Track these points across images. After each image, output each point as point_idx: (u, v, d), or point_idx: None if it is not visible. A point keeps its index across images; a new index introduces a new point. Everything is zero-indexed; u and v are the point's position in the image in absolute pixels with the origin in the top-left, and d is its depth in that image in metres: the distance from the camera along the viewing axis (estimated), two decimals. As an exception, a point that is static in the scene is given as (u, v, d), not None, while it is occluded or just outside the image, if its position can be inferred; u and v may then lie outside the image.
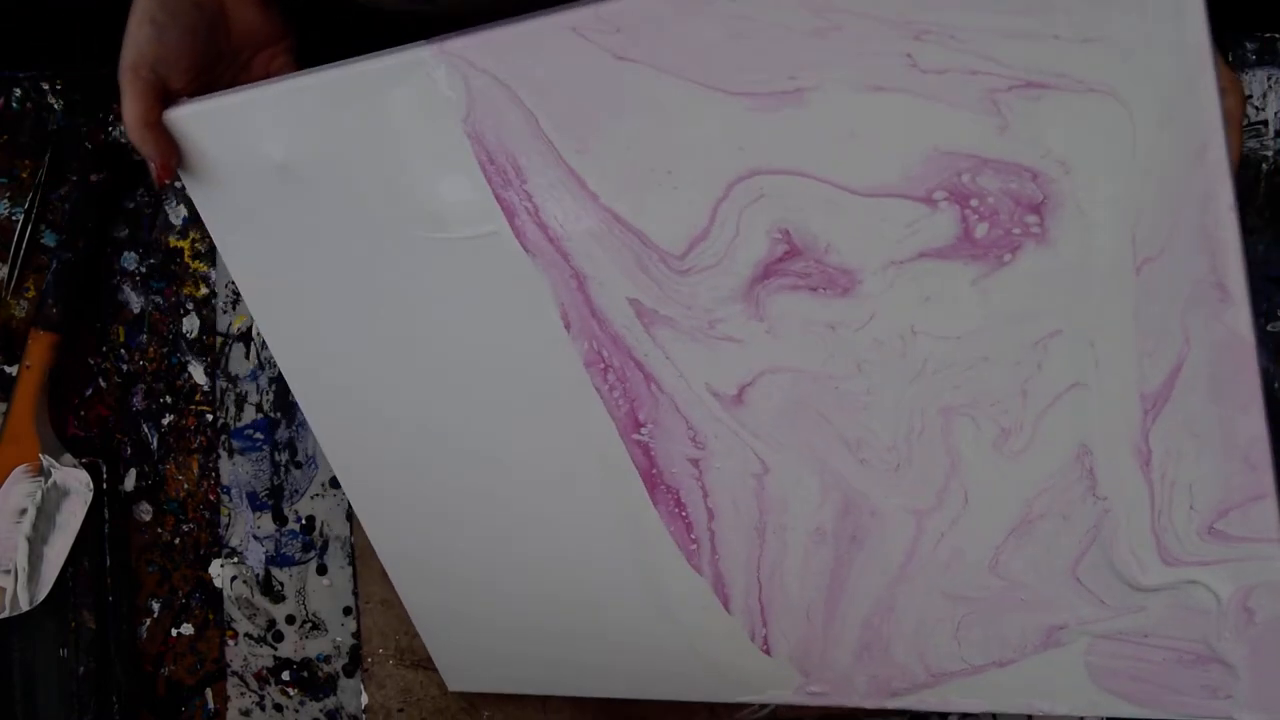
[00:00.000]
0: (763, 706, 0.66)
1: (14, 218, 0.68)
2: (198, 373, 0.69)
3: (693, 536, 0.51)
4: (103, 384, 0.69)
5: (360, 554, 0.66)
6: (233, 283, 0.68)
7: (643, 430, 0.50)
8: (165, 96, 0.51)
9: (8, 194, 0.69)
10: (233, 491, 0.69)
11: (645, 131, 0.44)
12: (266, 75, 0.55)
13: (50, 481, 0.66)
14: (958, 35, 0.39)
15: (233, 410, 0.69)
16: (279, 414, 0.68)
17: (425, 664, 0.66)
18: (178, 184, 0.54)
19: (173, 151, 0.51)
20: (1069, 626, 0.48)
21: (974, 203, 0.42)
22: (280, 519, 0.69)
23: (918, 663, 0.50)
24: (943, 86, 0.40)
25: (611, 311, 0.48)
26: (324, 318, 0.53)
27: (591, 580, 0.55)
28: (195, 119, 0.50)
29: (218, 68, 0.53)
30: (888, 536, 0.48)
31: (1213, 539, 0.45)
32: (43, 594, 0.65)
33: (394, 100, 0.46)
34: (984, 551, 0.47)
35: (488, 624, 0.59)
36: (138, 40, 0.51)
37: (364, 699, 0.66)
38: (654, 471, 0.51)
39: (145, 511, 0.69)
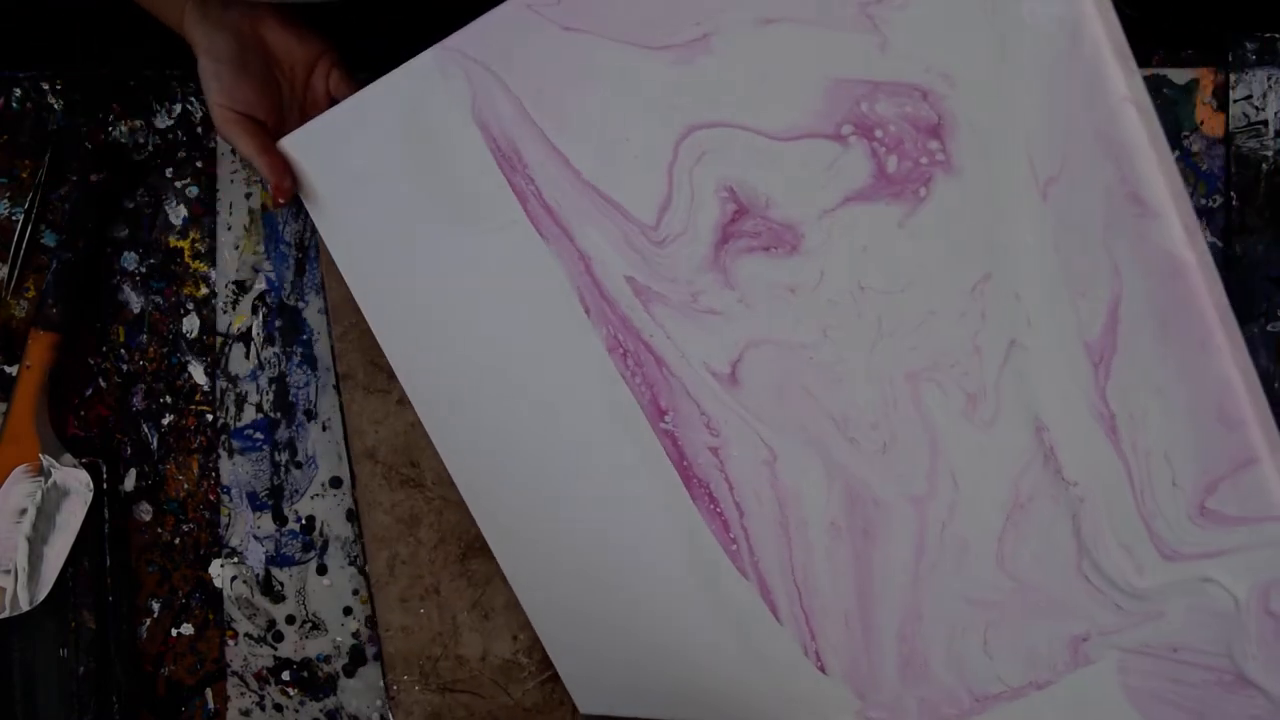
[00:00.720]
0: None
1: (14, 218, 0.68)
2: (198, 373, 0.69)
3: (731, 536, 0.51)
4: (103, 384, 0.69)
5: (376, 584, 0.66)
6: (233, 282, 0.68)
7: (666, 418, 0.50)
8: (259, 125, 0.58)
9: (8, 194, 0.69)
10: (233, 491, 0.68)
11: (603, 101, 0.45)
12: (326, 90, 0.61)
13: (50, 481, 0.66)
14: None
15: (233, 410, 0.69)
16: (279, 414, 0.68)
17: (451, 687, 0.66)
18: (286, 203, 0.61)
19: (286, 173, 0.58)
20: (1092, 638, 0.45)
21: (878, 134, 0.41)
22: (280, 519, 0.69)
23: (959, 683, 0.49)
24: (820, 7, 0.40)
25: (615, 291, 0.48)
26: (416, 314, 0.56)
27: (658, 592, 0.55)
28: (293, 148, 0.56)
29: (281, 91, 0.60)
30: (894, 528, 0.47)
31: (1208, 522, 0.40)
32: (43, 594, 0.65)
33: (419, 102, 0.48)
34: (988, 543, 0.46)
35: (610, 647, 0.59)
36: (213, 92, 0.58)
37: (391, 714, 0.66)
38: (685, 464, 0.50)
39: (145, 511, 0.69)
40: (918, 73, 0.40)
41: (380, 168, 0.52)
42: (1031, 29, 0.37)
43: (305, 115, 0.60)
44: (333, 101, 0.60)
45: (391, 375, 0.64)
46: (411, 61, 0.49)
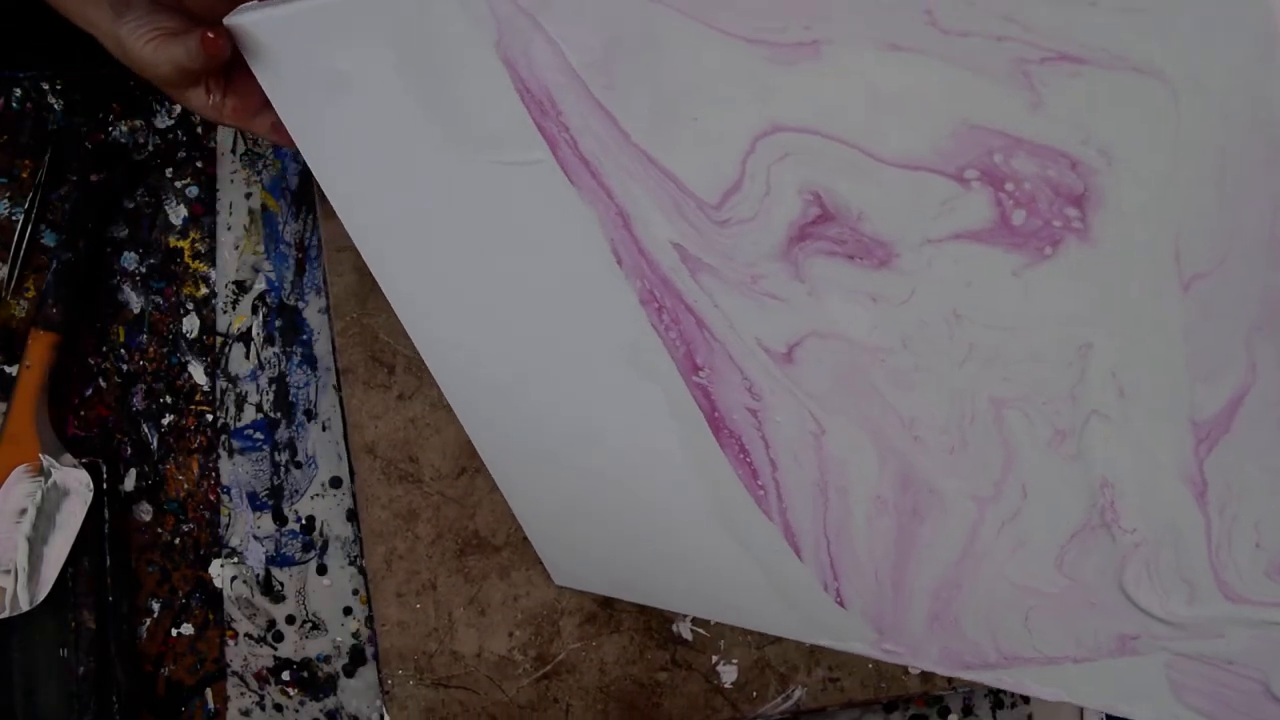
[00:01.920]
0: (785, 700, 0.66)
1: (14, 218, 0.68)
2: (198, 373, 0.69)
3: (759, 483, 0.50)
4: (103, 384, 0.69)
5: (373, 578, 0.66)
6: (233, 282, 0.68)
7: (701, 374, 0.48)
8: (166, 33, 0.51)
9: (8, 194, 0.69)
10: (233, 491, 0.68)
11: (670, 75, 0.40)
12: None
13: (50, 481, 0.66)
14: None
15: (233, 410, 0.69)
16: (279, 414, 0.68)
17: (445, 682, 0.66)
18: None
19: (199, 29, 0.50)
20: (1142, 638, 0.44)
21: (1009, 186, 0.37)
22: (280, 519, 0.69)
23: (989, 641, 0.48)
24: (967, 51, 0.35)
25: (658, 253, 0.45)
26: (402, 228, 0.52)
27: (676, 513, 0.54)
28: (257, 27, 0.49)
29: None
30: (949, 516, 0.46)
31: None
32: (43, 594, 0.65)
33: (435, 17, 0.44)
34: (1049, 548, 0.44)
35: (587, 534, 0.59)
36: (127, 36, 0.51)
37: (385, 717, 0.66)
38: (716, 415, 0.49)
39: (145, 511, 0.69)
40: (1073, 143, 0.35)
41: (370, 76, 0.47)
42: (1229, 135, 0.33)
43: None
44: None
45: (392, 371, 0.64)
46: None
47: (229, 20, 0.50)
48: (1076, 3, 0.33)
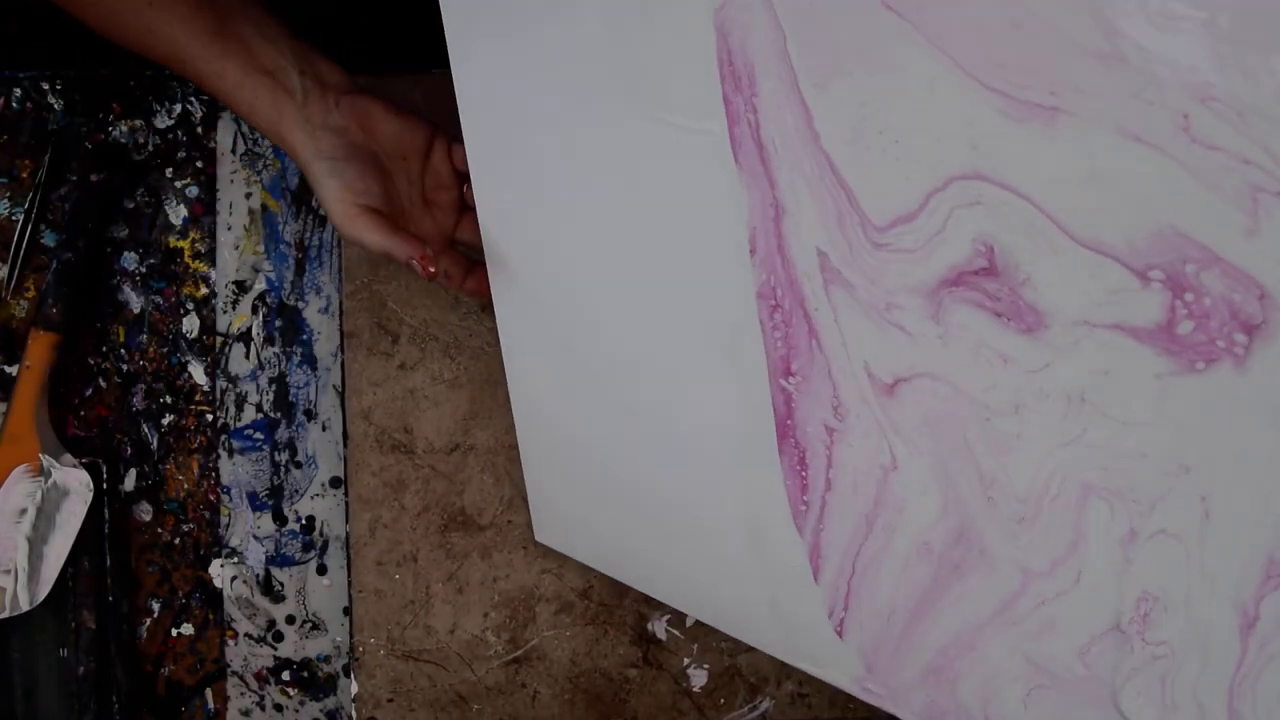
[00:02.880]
0: (752, 710, 0.66)
1: (14, 218, 0.68)
2: (198, 373, 0.69)
3: (805, 499, 0.50)
4: (103, 384, 0.69)
5: (355, 544, 0.67)
6: (233, 282, 0.68)
7: (791, 379, 0.48)
8: (380, 214, 0.56)
9: (8, 194, 0.69)
10: (233, 491, 0.68)
11: (887, 91, 0.40)
12: (451, 169, 0.60)
13: (50, 481, 0.66)
14: (1246, 114, 0.34)
15: (233, 410, 0.69)
16: (279, 414, 0.69)
17: (416, 655, 0.66)
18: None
19: (424, 244, 0.56)
20: None
21: (1188, 297, 0.37)
22: (280, 519, 0.69)
23: (979, 708, 0.48)
24: (1207, 164, 0.35)
25: (798, 254, 0.45)
26: (534, 162, 0.52)
27: (701, 501, 0.54)
28: None
29: (396, 180, 0.58)
30: (991, 581, 0.46)
31: None
32: (43, 594, 0.65)
33: None
34: (1079, 636, 0.44)
35: (594, 499, 0.59)
36: (332, 189, 0.56)
37: (354, 688, 0.66)
38: (789, 422, 0.49)
39: (145, 511, 0.69)
40: (1272, 276, 0.36)
41: (554, 12, 0.47)
42: None
43: (428, 200, 0.60)
44: (462, 177, 0.60)
45: (396, 340, 0.64)
46: None
47: None
48: None
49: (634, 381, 0.54)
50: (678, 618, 0.64)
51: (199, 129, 0.69)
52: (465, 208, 0.61)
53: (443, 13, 0.51)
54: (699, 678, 0.66)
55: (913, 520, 0.47)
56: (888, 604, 0.49)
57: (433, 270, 0.55)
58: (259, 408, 0.69)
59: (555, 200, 0.52)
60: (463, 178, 0.60)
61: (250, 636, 0.69)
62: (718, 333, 0.49)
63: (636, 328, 0.53)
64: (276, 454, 0.69)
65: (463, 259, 0.59)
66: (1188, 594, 0.41)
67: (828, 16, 0.40)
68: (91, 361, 0.69)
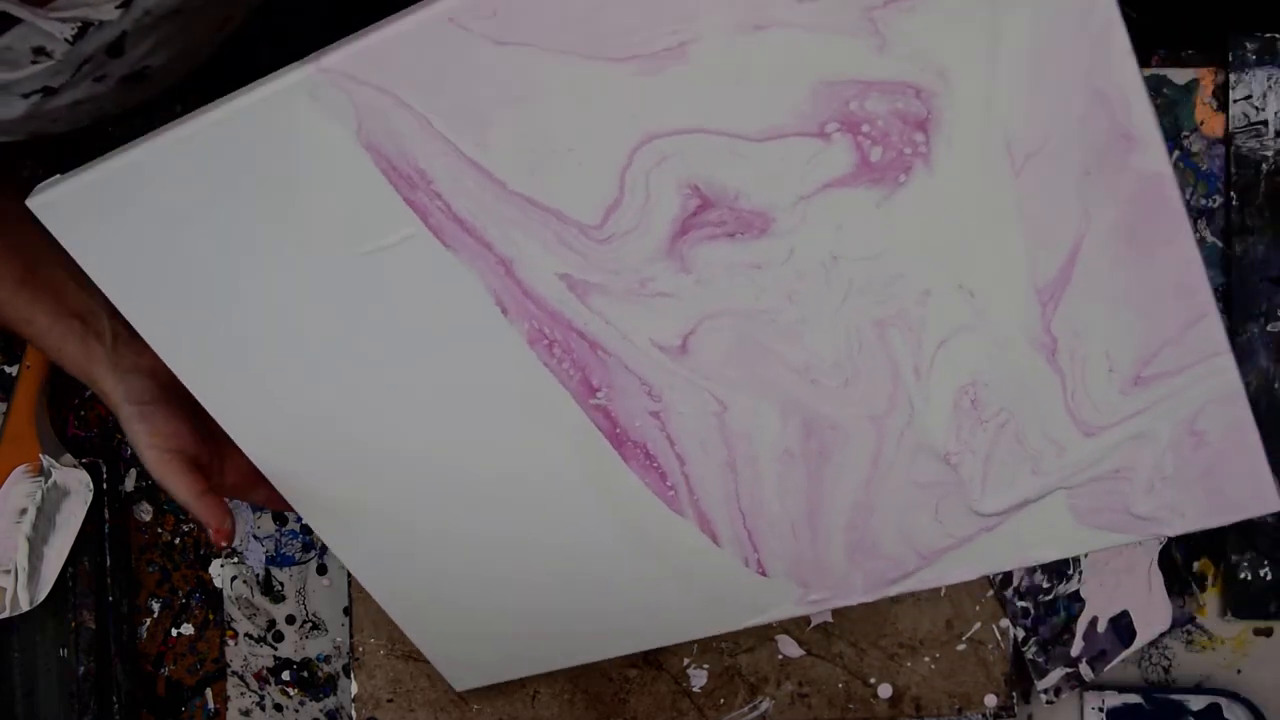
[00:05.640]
0: (752, 710, 0.66)
1: (14, 217, 0.68)
2: (198, 372, 0.69)
3: (669, 484, 0.51)
4: (103, 384, 0.69)
5: None
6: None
7: (599, 394, 0.50)
8: (196, 465, 0.54)
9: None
10: (233, 491, 0.68)
11: (540, 114, 0.44)
12: None
13: (50, 481, 0.66)
14: None
15: (233, 410, 0.69)
16: (279, 414, 0.69)
17: (416, 655, 0.66)
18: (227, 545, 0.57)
19: (227, 515, 0.54)
20: (1041, 492, 0.49)
21: (865, 128, 0.43)
22: (280, 519, 0.69)
23: (907, 548, 0.51)
24: (820, 12, 0.40)
25: (544, 289, 0.48)
26: (260, 364, 0.52)
27: (578, 549, 0.55)
28: (81, 193, 0.48)
29: (209, 420, 0.55)
30: (852, 445, 0.49)
31: (1140, 388, 0.46)
32: (43, 594, 0.65)
33: (282, 129, 0.45)
34: (941, 444, 0.48)
35: (480, 619, 0.59)
36: (142, 434, 0.54)
37: (353, 688, 0.66)
38: (618, 431, 0.51)
39: (145, 511, 0.69)
40: (914, 72, 0.41)
41: (216, 208, 0.48)
42: (1043, 20, 0.39)
43: None
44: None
45: None
46: (264, 85, 0.45)
47: (34, 202, 0.49)
48: None
49: (466, 489, 0.54)
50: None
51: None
52: None
53: (92, 272, 0.51)
54: (699, 678, 0.66)
55: (764, 441, 0.50)
56: (786, 522, 0.51)
57: (224, 545, 0.55)
58: (259, 407, 0.69)
59: (314, 380, 0.52)
60: None
61: (250, 636, 0.69)
62: (514, 398, 0.51)
63: (441, 446, 0.53)
64: (277, 454, 0.69)
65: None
66: (994, 362, 0.46)
67: (454, 81, 0.43)
68: (92, 361, 0.69)
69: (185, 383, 0.53)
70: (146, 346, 0.52)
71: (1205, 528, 0.49)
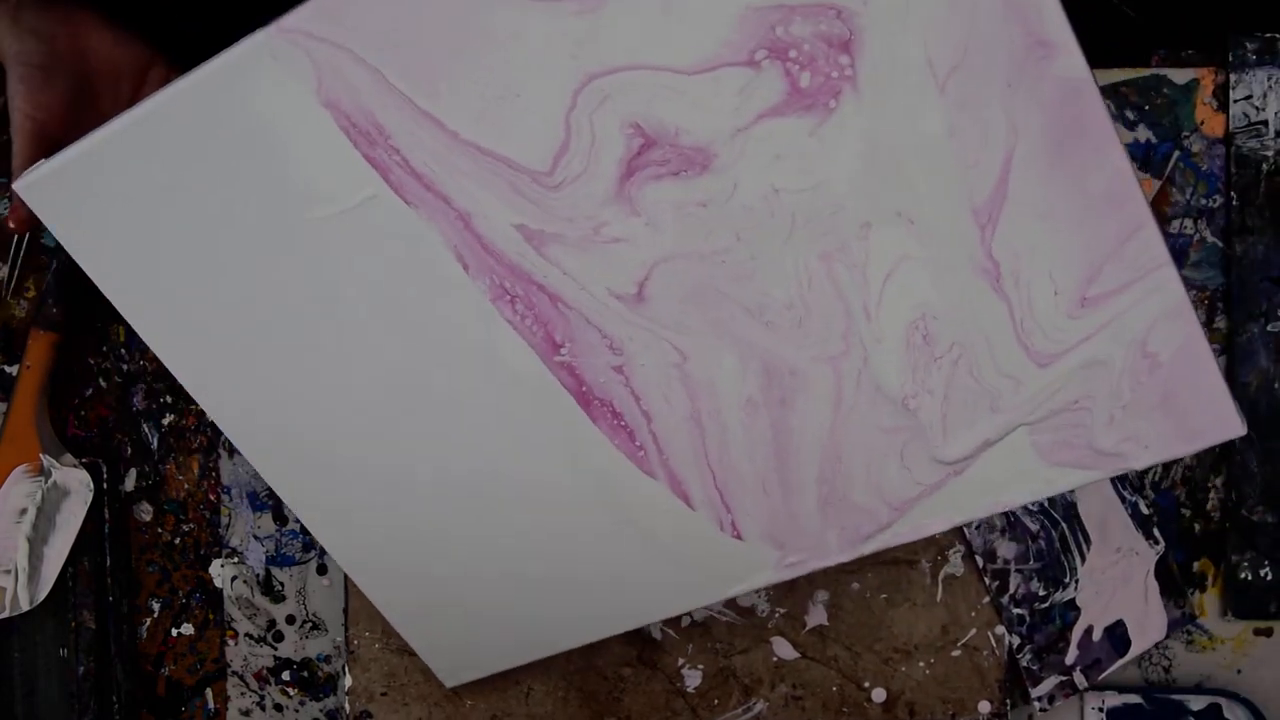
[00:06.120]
0: (746, 712, 0.66)
1: (14, 218, 0.68)
2: (198, 373, 0.69)
3: (638, 443, 0.52)
4: (103, 384, 0.69)
5: None
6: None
7: (562, 351, 0.50)
8: (48, 141, 0.53)
9: (8, 194, 0.69)
10: (233, 491, 0.69)
11: (485, 60, 0.45)
12: None
13: (50, 481, 0.66)
14: None
15: (233, 410, 0.69)
16: (279, 414, 0.69)
17: (410, 649, 0.65)
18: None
19: (19, 211, 0.53)
20: (1003, 430, 0.49)
21: (792, 54, 0.44)
22: (280, 519, 0.69)
23: (878, 500, 0.51)
24: None
25: (502, 242, 0.49)
26: (238, 341, 0.53)
27: (552, 520, 0.55)
28: (58, 176, 0.50)
29: (100, 104, 0.55)
30: (814, 390, 0.50)
31: (1087, 310, 0.46)
32: (43, 594, 0.65)
33: (247, 94, 0.47)
34: (899, 386, 0.49)
35: (460, 603, 0.59)
36: (17, 96, 0.54)
37: (348, 681, 0.66)
38: (584, 389, 0.51)
39: (145, 511, 0.69)
40: None
41: (190, 182, 0.49)
42: None
43: None
44: None
45: None
46: (229, 53, 0.47)
47: (20, 184, 0.51)
48: None
49: (436, 463, 0.54)
50: (673, 617, 0.64)
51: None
52: None
53: (76, 255, 0.52)
54: (693, 678, 0.66)
55: (726, 391, 0.50)
56: (756, 478, 0.52)
57: (13, 227, 0.55)
58: (259, 408, 0.69)
59: (282, 349, 0.53)
60: None
61: (250, 636, 0.69)
62: (482, 363, 0.51)
63: (409, 417, 0.53)
64: (276, 454, 0.69)
65: None
66: (940, 292, 0.47)
67: (405, 34, 0.45)
68: (91, 361, 0.69)
69: (169, 365, 0.54)
70: (53, 14, 0.53)
71: (1171, 458, 0.48)
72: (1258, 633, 0.67)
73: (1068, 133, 0.43)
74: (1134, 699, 0.66)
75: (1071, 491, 0.64)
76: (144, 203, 0.50)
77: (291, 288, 0.51)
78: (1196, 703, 0.66)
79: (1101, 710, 0.66)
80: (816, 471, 0.51)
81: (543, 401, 0.52)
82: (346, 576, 0.67)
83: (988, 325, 0.47)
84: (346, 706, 0.66)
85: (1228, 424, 0.47)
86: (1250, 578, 0.65)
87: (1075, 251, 0.45)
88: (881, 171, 0.45)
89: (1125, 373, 0.47)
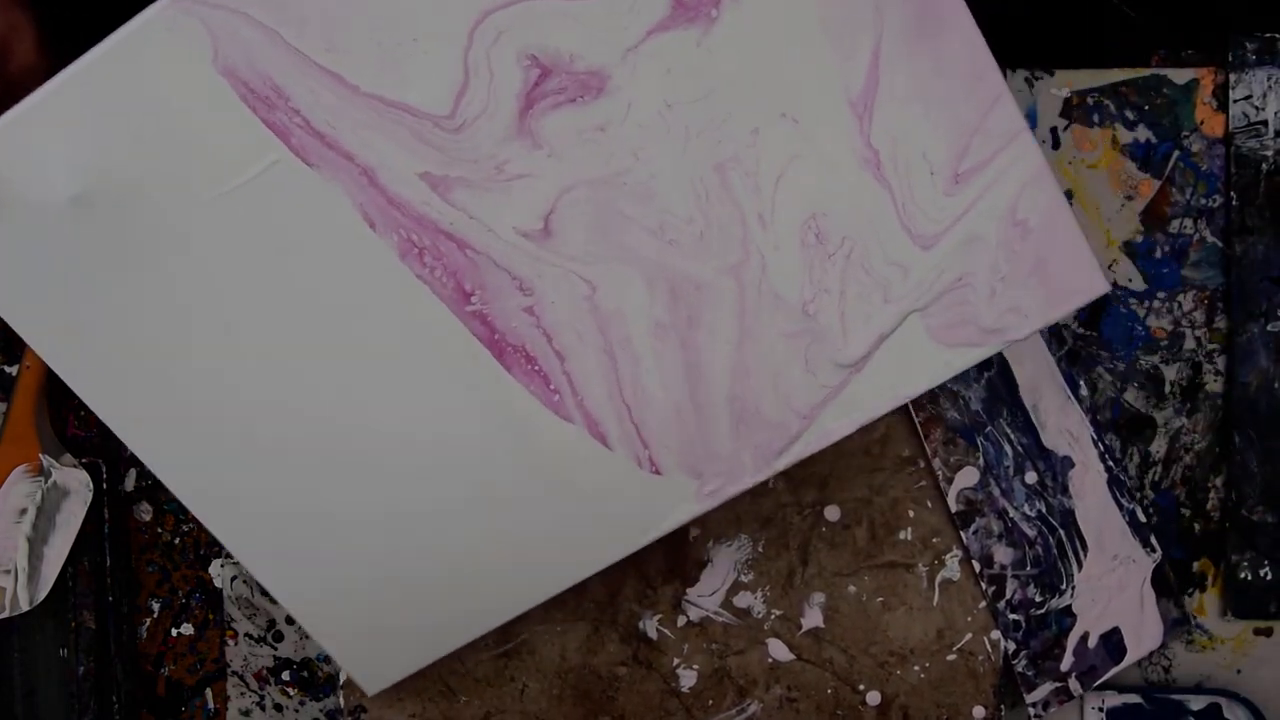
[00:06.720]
0: (740, 713, 0.66)
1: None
2: (197, 373, 0.69)
3: (553, 387, 0.52)
4: (102, 384, 0.69)
5: None
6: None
7: (473, 299, 0.51)
8: None
9: None
10: (232, 492, 0.69)
11: (381, 10, 0.46)
12: (23, 69, 0.55)
13: (50, 481, 0.66)
14: None
15: (232, 410, 0.69)
16: (278, 414, 0.69)
17: None
18: None
19: None
20: (896, 319, 0.51)
21: None
22: (280, 519, 0.69)
23: (788, 411, 0.52)
24: None
25: (408, 192, 0.49)
26: (136, 325, 0.52)
27: (469, 484, 0.54)
28: None
29: None
30: (719, 304, 0.51)
31: (961, 185, 0.49)
32: (43, 594, 0.65)
33: (144, 67, 0.47)
34: (800, 286, 0.50)
35: (385, 594, 0.57)
36: None
37: (342, 676, 0.66)
38: (496, 337, 0.51)
39: (145, 511, 0.69)
40: None
41: (92, 155, 0.48)
42: None
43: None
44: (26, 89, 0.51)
45: None
46: (123, 30, 0.46)
47: None
48: None
49: (351, 433, 0.53)
50: (669, 617, 0.64)
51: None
52: None
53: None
54: (688, 678, 0.66)
55: (635, 316, 0.51)
56: (670, 405, 0.52)
57: None
58: (258, 408, 0.69)
59: (186, 334, 0.52)
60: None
61: (250, 636, 0.69)
62: (393, 319, 0.51)
63: (321, 386, 0.52)
64: (276, 454, 0.69)
65: None
66: (828, 188, 0.49)
67: None
68: (91, 362, 0.69)
69: (53, 365, 0.52)
70: None
71: (1047, 324, 0.51)
72: (1258, 633, 0.66)
73: (925, 12, 0.46)
74: (1134, 699, 0.66)
75: (1070, 499, 0.64)
76: (58, 186, 0.49)
77: (209, 263, 0.51)
78: (1196, 703, 0.66)
79: (1101, 710, 0.66)
80: (727, 389, 0.52)
81: (456, 357, 0.52)
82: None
83: (874, 214, 0.49)
84: (341, 701, 0.66)
85: (1094, 283, 0.50)
86: (1250, 578, 0.65)
87: (944, 130, 0.48)
88: (764, 74, 0.47)
89: (1000, 244, 0.49)
